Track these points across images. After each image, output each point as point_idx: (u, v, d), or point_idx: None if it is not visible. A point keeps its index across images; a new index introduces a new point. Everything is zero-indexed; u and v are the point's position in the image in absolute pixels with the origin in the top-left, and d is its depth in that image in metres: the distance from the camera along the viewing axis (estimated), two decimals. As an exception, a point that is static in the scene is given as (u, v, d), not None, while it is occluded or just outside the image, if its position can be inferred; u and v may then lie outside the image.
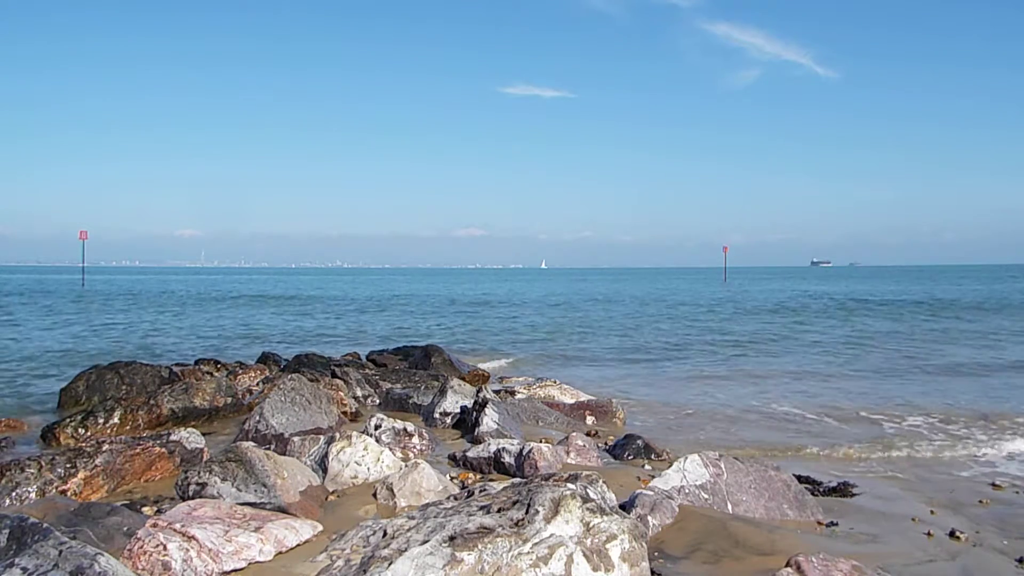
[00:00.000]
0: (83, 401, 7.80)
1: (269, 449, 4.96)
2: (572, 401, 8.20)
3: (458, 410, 6.79)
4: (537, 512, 2.93)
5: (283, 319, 22.79)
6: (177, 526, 3.22)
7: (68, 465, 4.50)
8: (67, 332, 17.87)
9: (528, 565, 2.73)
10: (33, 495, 4.29)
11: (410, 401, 7.71)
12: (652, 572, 3.12)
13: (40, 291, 39.72)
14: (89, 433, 6.15)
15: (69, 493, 4.36)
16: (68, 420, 6.30)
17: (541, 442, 5.20)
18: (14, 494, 4.27)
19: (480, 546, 2.77)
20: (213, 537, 3.21)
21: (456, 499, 3.38)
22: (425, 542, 2.83)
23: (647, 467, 5.40)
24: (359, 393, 8.19)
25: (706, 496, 4.24)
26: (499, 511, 3.01)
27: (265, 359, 10.73)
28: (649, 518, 3.77)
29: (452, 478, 4.80)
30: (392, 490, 4.25)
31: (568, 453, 5.35)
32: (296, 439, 5.37)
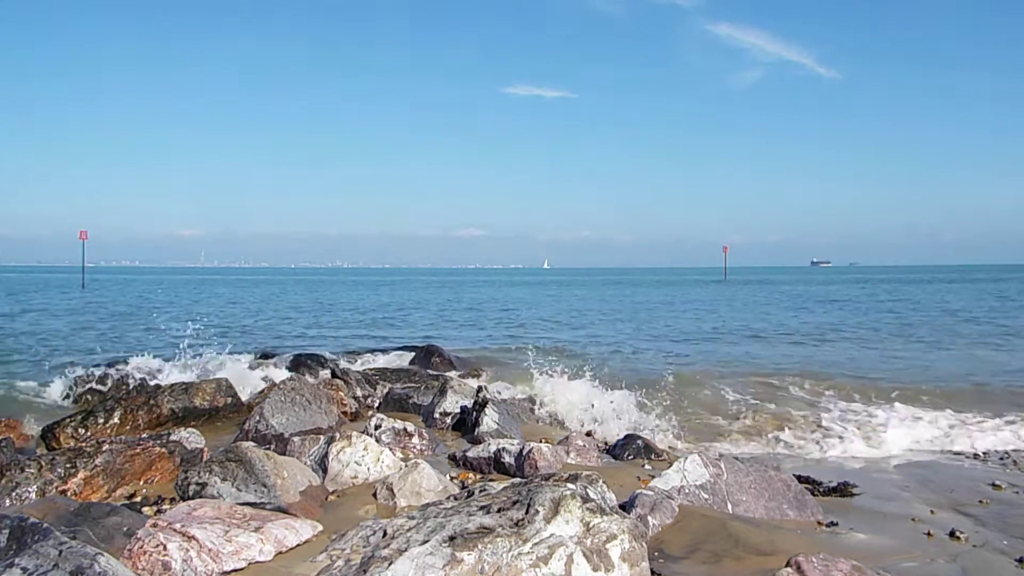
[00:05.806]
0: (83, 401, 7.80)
1: (269, 449, 4.96)
2: (572, 401, 8.20)
3: (458, 410, 6.79)
4: (537, 512, 2.93)
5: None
6: (177, 526, 3.22)
7: (68, 465, 4.50)
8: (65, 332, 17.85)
9: (528, 565, 2.73)
10: (33, 495, 4.29)
11: (410, 401, 7.71)
12: (652, 572, 3.12)
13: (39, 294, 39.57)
14: (89, 433, 6.15)
15: (69, 493, 4.36)
16: (68, 420, 6.30)
17: (541, 442, 5.20)
18: (14, 494, 4.27)
19: (480, 546, 2.77)
20: (213, 537, 3.21)
21: (456, 499, 3.38)
22: (425, 542, 2.83)
23: (647, 467, 5.40)
24: (359, 393, 8.19)
25: (706, 496, 4.24)
26: (499, 511, 3.01)
27: (265, 359, 10.73)
28: (649, 518, 3.77)
29: (452, 478, 4.80)
30: (392, 490, 4.25)
31: (568, 453, 5.35)
32: (296, 439, 5.37)
